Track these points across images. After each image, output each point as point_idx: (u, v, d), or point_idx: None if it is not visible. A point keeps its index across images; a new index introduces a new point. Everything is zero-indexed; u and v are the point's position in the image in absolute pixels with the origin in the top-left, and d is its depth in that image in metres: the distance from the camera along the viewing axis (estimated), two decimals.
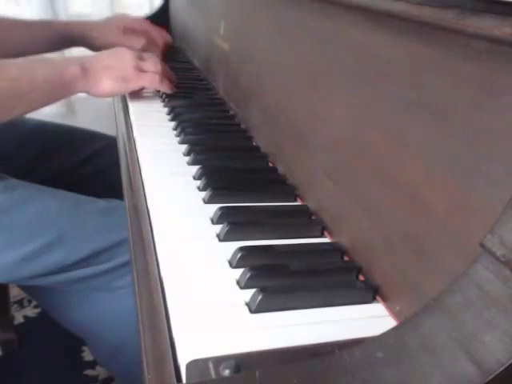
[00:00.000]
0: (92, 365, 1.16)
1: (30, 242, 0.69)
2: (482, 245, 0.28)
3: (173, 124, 0.79)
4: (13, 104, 0.71)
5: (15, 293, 1.34)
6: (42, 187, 0.75)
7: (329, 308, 0.40)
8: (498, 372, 0.25)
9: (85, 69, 0.76)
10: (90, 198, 0.76)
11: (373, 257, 0.43)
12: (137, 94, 0.91)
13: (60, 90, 0.76)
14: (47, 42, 0.99)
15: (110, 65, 0.79)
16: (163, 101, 0.91)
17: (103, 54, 0.83)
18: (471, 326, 0.27)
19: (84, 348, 1.19)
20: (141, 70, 0.82)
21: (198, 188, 0.58)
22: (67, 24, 1.05)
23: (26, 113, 0.75)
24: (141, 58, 0.83)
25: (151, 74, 0.83)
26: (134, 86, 0.82)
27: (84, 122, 1.18)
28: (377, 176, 0.43)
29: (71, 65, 0.75)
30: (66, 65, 0.75)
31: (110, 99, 1.00)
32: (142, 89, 0.87)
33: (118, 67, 0.79)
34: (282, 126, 0.64)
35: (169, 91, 0.88)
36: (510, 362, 0.25)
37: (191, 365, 0.32)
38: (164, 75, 0.86)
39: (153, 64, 0.84)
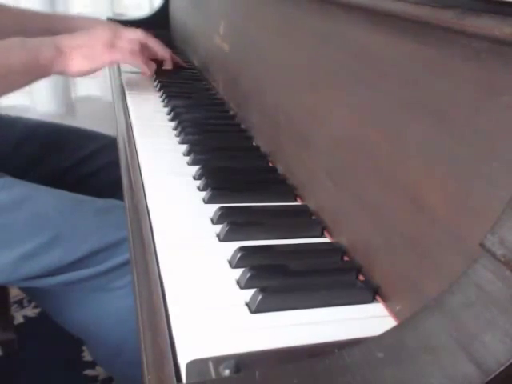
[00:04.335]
0: (92, 365, 1.16)
1: (28, 241, 0.69)
2: (481, 245, 0.28)
3: (173, 124, 0.79)
4: None
5: (15, 293, 1.34)
6: (40, 186, 0.75)
7: (329, 308, 0.40)
8: (497, 372, 0.25)
9: (58, 49, 0.79)
10: (88, 198, 0.76)
11: (373, 257, 0.43)
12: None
13: (37, 72, 0.78)
14: (41, 34, 0.99)
15: (80, 43, 0.81)
16: (163, 101, 0.91)
17: (77, 34, 0.85)
18: (471, 326, 0.27)
19: (84, 348, 1.19)
20: (112, 46, 0.83)
21: (198, 188, 0.58)
22: (84, 20, 1.06)
23: (5, 94, 0.76)
24: (116, 36, 0.85)
25: (123, 49, 0.84)
26: (103, 61, 0.84)
27: (84, 122, 1.18)
28: (377, 176, 0.43)
29: (46, 46, 0.78)
30: (40, 47, 0.77)
31: (110, 99, 1.00)
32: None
33: (87, 45, 0.82)
34: (281, 126, 0.64)
35: (142, 67, 0.89)
36: (510, 362, 0.25)
37: (191, 365, 0.32)
38: (141, 53, 0.87)
39: (127, 41, 0.85)
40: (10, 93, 0.77)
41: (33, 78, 0.79)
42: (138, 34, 0.90)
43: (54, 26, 0.99)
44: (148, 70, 0.91)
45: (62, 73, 0.81)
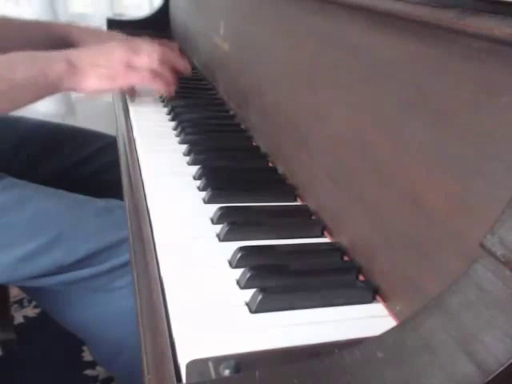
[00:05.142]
0: (92, 365, 1.16)
1: (29, 242, 0.69)
2: (481, 245, 0.28)
3: (173, 124, 0.79)
4: None
5: (15, 293, 1.34)
6: (41, 187, 0.75)
7: (329, 308, 0.40)
8: (497, 372, 0.25)
9: (71, 65, 0.73)
10: (89, 198, 0.76)
11: (373, 257, 0.43)
12: (132, 92, 0.89)
13: (45, 88, 0.73)
14: (43, 43, 0.96)
15: (97, 61, 0.75)
16: (163, 101, 0.91)
17: (92, 49, 0.79)
18: (471, 326, 0.27)
19: (84, 348, 1.20)
20: (131, 66, 0.77)
21: (198, 188, 0.58)
22: (68, 26, 1.01)
23: (11, 110, 0.73)
24: (135, 52, 0.78)
25: (142, 70, 0.78)
26: (122, 83, 0.78)
27: (84, 122, 1.18)
28: (377, 176, 0.43)
29: (57, 62, 0.73)
30: (50, 62, 0.73)
31: (110, 99, 1.00)
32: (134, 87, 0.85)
33: (105, 64, 0.76)
34: (281, 125, 0.64)
35: (161, 91, 0.82)
36: (510, 362, 0.25)
37: (191, 365, 0.32)
38: (160, 73, 0.79)
39: (146, 60, 0.78)
40: (16, 109, 0.73)
41: (41, 94, 0.74)
42: (155, 49, 0.80)
43: (57, 36, 0.97)
44: (169, 92, 0.82)
45: (73, 90, 0.76)
